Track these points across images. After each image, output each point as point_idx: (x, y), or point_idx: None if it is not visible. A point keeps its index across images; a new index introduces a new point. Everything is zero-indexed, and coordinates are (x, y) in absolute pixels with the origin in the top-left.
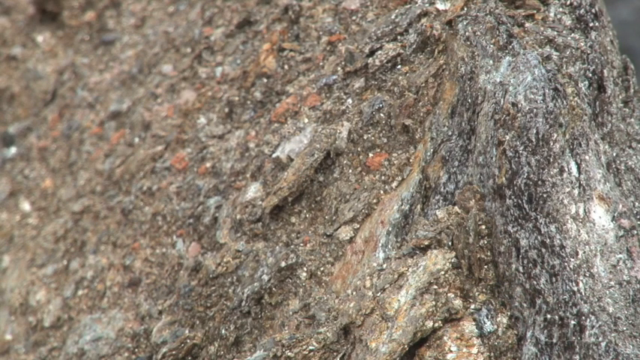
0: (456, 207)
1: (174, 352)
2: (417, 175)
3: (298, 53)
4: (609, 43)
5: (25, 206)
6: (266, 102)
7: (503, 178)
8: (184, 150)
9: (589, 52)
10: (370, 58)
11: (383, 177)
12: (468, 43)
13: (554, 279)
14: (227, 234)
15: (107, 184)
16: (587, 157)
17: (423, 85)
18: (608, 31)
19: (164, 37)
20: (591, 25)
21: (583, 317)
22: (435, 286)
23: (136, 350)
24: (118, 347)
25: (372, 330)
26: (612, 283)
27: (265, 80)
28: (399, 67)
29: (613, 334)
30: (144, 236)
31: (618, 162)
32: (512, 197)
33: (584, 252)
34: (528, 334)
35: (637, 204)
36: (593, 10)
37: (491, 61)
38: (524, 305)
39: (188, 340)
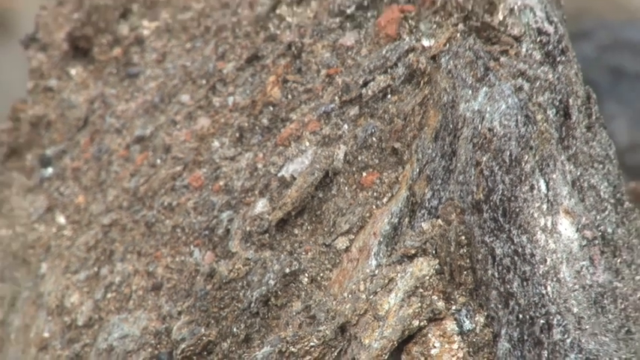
0: (439, 220)
1: (191, 348)
2: (404, 192)
3: (300, 84)
4: (574, 75)
5: (61, 220)
6: (272, 127)
7: (481, 195)
8: (200, 170)
9: (556, 83)
10: (364, 89)
11: (375, 194)
12: (450, 75)
13: (525, 283)
14: (238, 244)
15: (132, 200)
16: (554, 176)
17: (410, 112)
18: (573, 64)
19: (182, 70)
20: (558, 59)
21: (550, 317)
22: (421, 290)
23: (158, 346)
24: (143, 343)
25: (365, 328)
26: (576, 286)
27: (271, 108)
28: (389, 96)
29: (577, 332)
30: (165, 246)
31: (582, 180)
32: (489, 211)
33: (552, 259)
34: (502, 331)
35: (598, 217)
36: (560, 47)
37: (470, 92)
38: (499, 306)
39: (204, 338)
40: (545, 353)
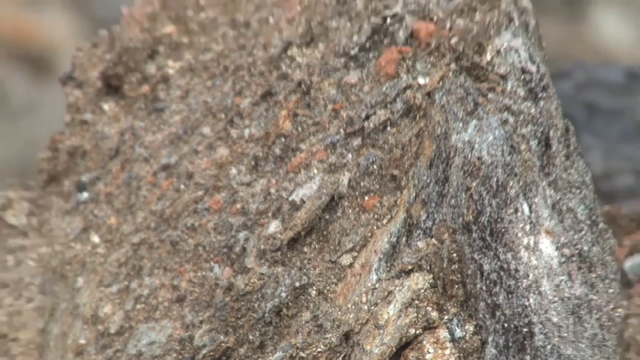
0: (433, 239)
1: (211, 354)
2: (402, 214)
3: (309, 118)
4: (554, 110)
5: (95, 239)
6: (284, 157)
7: (470, 216)
8: (219, 194)
9: (538, 117)
10: (366, 122)
11: (376, 216)
12: (443, 109)
13: (510, 296)
14: (253, 260)
15: (159, 222)
16: (536, 200)
17: (408, 143)
18: (553, 100)
19: (204, 105)
20: (540, 95)
21: (533, 325)
22: (417, 302)
23: (182, 352)
24: (168, 349)
25: (367, 336)
26: (556, 299)
27: (283, 139)
28: (389, 129)
29: (556, 339)
30: (188, 262)
31: (561, 204)
32: (477, 231)
33: (534, 274)
34: (490, 339)
35: (575, 237)
36: (541, 84)
37: (461, 124)
38: (487, 316)
39: (223, 344)
40: (527, 358)
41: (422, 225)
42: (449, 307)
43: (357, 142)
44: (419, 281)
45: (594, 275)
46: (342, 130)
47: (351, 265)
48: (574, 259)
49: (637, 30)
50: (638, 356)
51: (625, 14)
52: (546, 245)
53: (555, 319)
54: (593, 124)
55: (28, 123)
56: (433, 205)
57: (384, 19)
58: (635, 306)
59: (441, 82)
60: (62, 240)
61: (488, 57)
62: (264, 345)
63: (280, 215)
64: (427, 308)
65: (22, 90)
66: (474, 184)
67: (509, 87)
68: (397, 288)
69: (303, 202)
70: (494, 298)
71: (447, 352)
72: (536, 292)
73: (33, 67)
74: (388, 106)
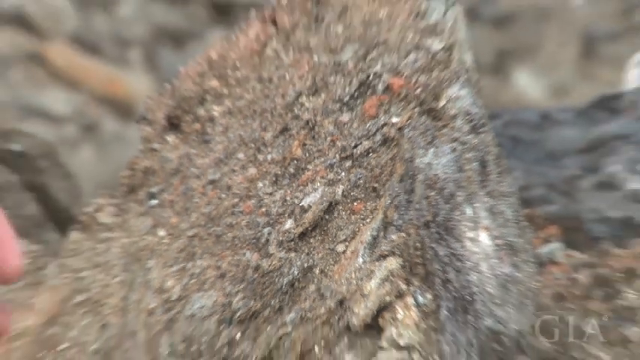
0: (402, 233)
1: (244, 314)
2: (381, 215)
3: (314, 147)
4: (489, 140)
5: (161, 233)
6: (296, 174)
7: (430, 217)
8: (250, 201)
9: (478, 145)
10: (355, 150)
11: (362, 216)
12: (410, 140)
13: (458, 273)
14: (274, 248)
15: (207, 220)
16: (477, 205)
17: (384, 164)
18: (489, 133)
19: (239, 138)
20: (479, 130)
21: (474, 295)
22: (391, 277)
23: (223, 313)
24: (213, 312)
25: (355, 302)
26: (491, 275)
27: (295, 162)
28: (371, 154)
29: (491, 304)
30: (228, 250)
31: (494, 208)
32: (435, 227)
33: (475, 258)
34: (443, 304)
35: (504, 231)
36: (480, 122)
37: (423, 151)
38: (441, 288)
39: (252, 308)
40: (470, 317)
41: (395, 223)
42: (414, 281)
43: (348, 163)
44: (392, 263)
45: (518, 259)
46: (337, 155)
47: (344, 252)
48: (504, 247)
49: (542, 87)
50: (543, 314)
51: (534, 76)
52: (484, 237)
53: (490, 290)
54: (516, 152)
55: (115, 150)
56: (403, 209)
57: (368, 75)
58: (546, 280)
59: (408, 121)
60: (137, 234)
61: (443, 103)
62: (281, 308)
63: (293, 216)
64: (398, 282)
65: (112, 126)
66: (432, 193)
67: (457, 124)
68: (377, 268)
69: (309, 206)
70: (447, 275)
71: (413, 313)
72: (477, 271)
73: (120, 110)
74: (371, 138)
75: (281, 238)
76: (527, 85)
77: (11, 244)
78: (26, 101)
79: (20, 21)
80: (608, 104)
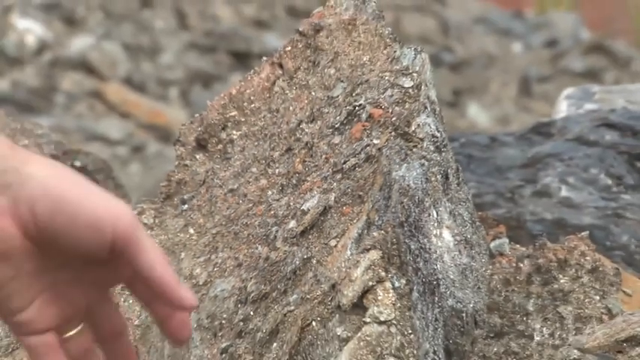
0: (382, 231)
1: (256, 295)
2: (365, 217)
3: (312, 163)
4: (450, 158)
5: (191, 231)
6: (298, 185)
7: (403, 218)
8: (261, 206)
9: (441, 162)
10: (344, 165)
11: (350, 218)
12: (387, 158)
13: (426, 263)
14: (280, 243)
15: (227, 221)
16: (440, 209)
17: (367, 177)
18: (449, 152)
19: (253, 156)
20: (442, 150)
21: (439, 280)
22: (373, 267)
23: (239, 295)
24: (232, 293)
25: (345, 286)
26: (452, 265)
27: (297, 175)
28: (357, 169)
29: (452, 288)
30: (244, 244)
31: (455, 211)
32: (407, 226)
33: (439, 251)
34: (414, 287)
35: (463, 230)
36: (443, 143)
37: (398, 166)
38: (413, 275)
39: (262, 290)
40: (435, 298)
41: (376, 223)
42: (391, 270)
43: (339, 176)
44: (374, 255)
45: (474, 251)
46: (330, 170)
47: (335, 246)
48: (462, 242)
49: (489, 117)
50: (494, 296)
51: (483, 108)
52: (446, 234)
53: (452, 277)
54: (470, 167)
55: (156, 166)
56: (382, 212)
57: (354, 107)
58: (496, 268)
59: (386, 142)
60: (172, 232)
61: (413, 128)
62: (286, 291)
63: (296, 217)
64: (379, 270)
65: (155, 147)
66: (405, 199)
67: (425, 145)
68: (362, 259)
69: (308, 210)
70: (417, 265)
71: (390, 295)
72: (441, 261)
73: (161, 135)
74: (357, 155)
75: (286, 235)
76: (478, 115)
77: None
78: (88, 128)
79: (85, 66)
80: (542, 129)
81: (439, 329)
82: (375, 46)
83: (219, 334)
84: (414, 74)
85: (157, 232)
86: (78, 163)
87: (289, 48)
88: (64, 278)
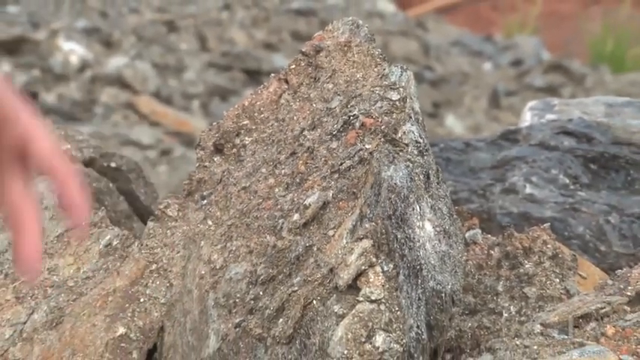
0: (373, 222)
1: (265, 278)
2: (358, 211)
3: (313, 165)
4: (431, 160)
5: (209, 222)
6: (301, 183)
7: (391, 212)
8: (270, 201)
9: (423, 163)
10: (340, 166)
11: (345, 211)
12: (377, 160)
13: (410, 250)
14: (286, 233)
15: (240, 215)
16: (423, 204)
17: (360, 176)
18: (430, 156)
19: (262, 158)
20: (424, 153)
21: (422, 265)
22: (365, 253)
23: (251, 278)
24: (244, 276)
25: (341, 270)
26: (433, 252)
27: (300, 175)
28: (351, 170)
29: (433, 272)
30: (255, 234)
31: (435, 206)
32: (394, 219)
33: (422, 240)
34: (401, 271)
35: (442, 222)
36: (425, 148)
37: (387, 167)
38: (399, 261)
39: (270, 273)
40: (419, 281)
41: (367, 216)
42: (381, 256)
43: (336, 176)
44: (366, 243)
45: (451, 240)
46: (329, 171)
47: (333, 235)
48: (441, 232)
49: (464, 126)
50: (469, 278)
51: (458, 118)
52: (428, 226)
53: (433, 262)
54: (448, 168)
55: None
56: (373, 206)
57: (349, 117)
58: (470, 255)
59: (377, 147)
60: (193, 223)
61: (400, 135)
62: (291, 274)
63: (299, 211)
64: (370, 256)
65: (180, 151)
66: (392, 196)
67: (410, 149)
68: (355, 246)
69: (310, 205)
70: (403, 252)
71: (380, 277)
72: (424, 249)
73: (185, 141)
74: (351, 158)
75: (290, 226)
76: (454, 124)
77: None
78: (122, 134)
79: (120, 82)
80: (510, 136)
81: (422, 307)
82: (367, 64)
83: (234, 311)
84: (401, 89)
85: (180, 223)
86: (114, 164)
87: (294, 66)
88: None
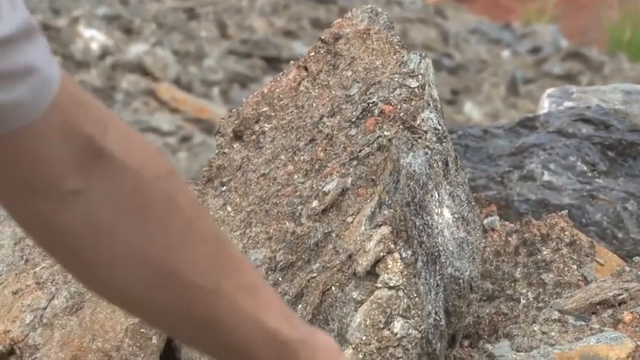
0: (391, 209)
1: (284, 264)
2: (377, 197)
3: (332, 152)
4: (450, 147)
5: (229, 209)
6: (320, 169)
7: (409, 198)
8: (289, 188)
9: (442, 151)
10: (359, 153)
11: (364, 198)
12: (396, 147)
13: (429, 237)
14: (305, 220)
15: (259, 201)
16: (441, 191)
17: (379, 163)
18: (449, 143)
19: (281, 145)
20: (443, 140)
21: (440, 251)
22: (384, 240)
23: (270, 264)
24: (264, 262)
25: (360, 256)
26: (451, 239)
27: (319, 162)
28: (370, 156)
29: (452, 258)
30: (274, 221)
31: (454, 193)
32: (413, 206)
33: (440, 227)
34: (419, 258)
35: (460, 209)
36: (444, 135)
37: (405, 154)
38: (418, 247)
39: (289, 260)
40: (437, 267)
41: (386, 202)
42: (399, 242)
43: (355, 163)
44: (385, 230)
45: (469, 227)
46: (348, 157)
47: (352, 222)
48: (460, 219)
49: (482, 113)
50: (486, 265)
51: (477, 106)
52: (446, 213)
53: (451, 249)
54: (467, 155)
55: (201, 153)
56: (391, 193)
57: (369, 104)
58: (488, 241)
59: (395, 134)
60: (213, 209)
61: (418, 122)
62: (309, 260)
63: (318, 198)
64: (388, 243)
65: (200, 138)
66: (411, 183)
67: (428, 136)
68: (374, 233)
69: (329, 191)
70: (421, 238)
71: (398, 263)
72: (442, 236)
73: (205, 127)
74: (370, 145)
75: (309, 213)
76: (472, 111)
77: None
78: (143, 121)
79: (141, 68)
80: (528, 123)
81: (440, 293)
82: (386, 52)
83: None
84: (419, 76)
85: None
86: None
87: (313, 53)
88: None
